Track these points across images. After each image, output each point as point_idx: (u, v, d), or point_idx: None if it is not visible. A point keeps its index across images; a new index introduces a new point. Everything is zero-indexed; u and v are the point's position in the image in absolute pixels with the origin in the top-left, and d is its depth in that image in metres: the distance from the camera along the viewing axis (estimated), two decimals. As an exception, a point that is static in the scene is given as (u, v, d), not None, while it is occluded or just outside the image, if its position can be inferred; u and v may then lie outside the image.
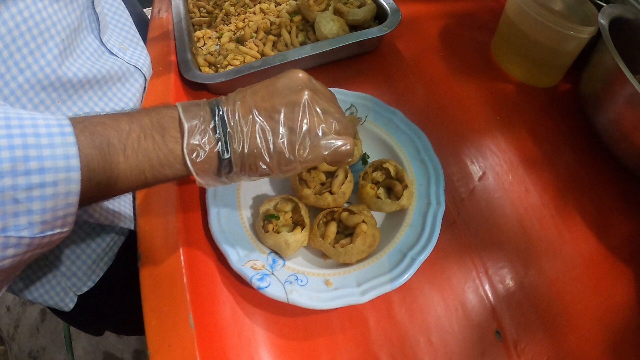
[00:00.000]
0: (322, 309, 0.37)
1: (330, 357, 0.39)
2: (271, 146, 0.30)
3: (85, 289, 0.45)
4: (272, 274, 0.39)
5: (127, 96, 0.44)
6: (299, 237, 0.38)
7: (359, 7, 0.56)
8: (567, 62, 0.53)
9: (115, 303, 0.51)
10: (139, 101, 0.47)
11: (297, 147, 0.30)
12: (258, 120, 0.30)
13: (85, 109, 0.41)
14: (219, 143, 0.29)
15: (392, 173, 0.42)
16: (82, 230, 0.43)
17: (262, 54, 0.54)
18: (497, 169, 0.48)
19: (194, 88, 0.54)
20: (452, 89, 0.54)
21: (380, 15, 0.57)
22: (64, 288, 0.44)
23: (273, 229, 0.39)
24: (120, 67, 0.44)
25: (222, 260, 0.41)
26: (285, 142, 0.30)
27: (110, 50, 0.44)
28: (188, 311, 0.38)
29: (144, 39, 0.53)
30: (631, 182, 0.48)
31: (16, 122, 0.23)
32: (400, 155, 0.44)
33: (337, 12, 0.56)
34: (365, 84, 0.52)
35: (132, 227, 0.46)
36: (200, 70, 0.53)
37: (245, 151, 0.30)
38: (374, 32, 0.52)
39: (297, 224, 0.40)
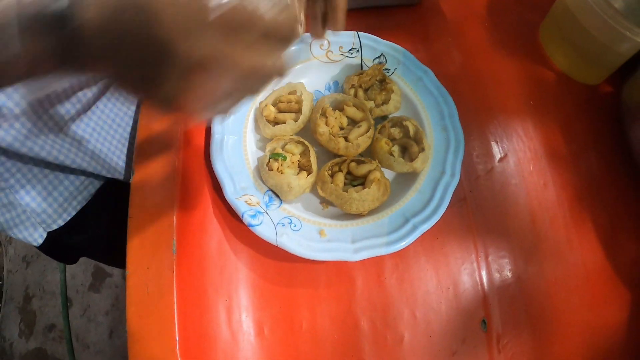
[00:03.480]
0: (311, 259, 0.34)
1: (309, 309, 0.36)
2: None
3: (55, 227, 0.42)
4: (266, 212, 0.35)
5: None
6: (303, 182, 0.35)
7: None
8: (615, 63, 0.48)
9: (85, 240, 0.48)
10: None
11: None
12: None
13: None
14: None
15: (411, 133, 0.38)
16: (55, 166, 0.40)
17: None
18: (520, 155, 0.44)
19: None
20: (489, 61, 0.49)
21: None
22: (34, 224, 0.41)
23: (277, 169, 0.35)
24: None
25: (217, 190, 0.37)
26: None
27: None
28: (172, 236, 0.35)
29: None
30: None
31: None
32: (423, 117, 0.40)
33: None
34: (400, 37, 0.47)
35: (120, 176, 0.42)
36: None
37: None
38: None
39: (302, 168, 0.37)
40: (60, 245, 0.46)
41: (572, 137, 0.47)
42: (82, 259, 0.60)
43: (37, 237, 0.42)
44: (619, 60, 0.48)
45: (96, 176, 0.44)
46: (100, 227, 0.48)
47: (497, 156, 0.44)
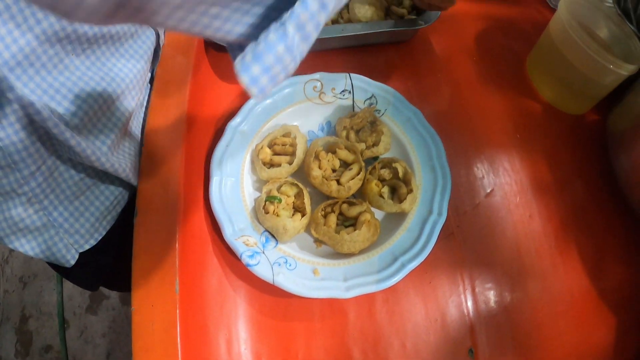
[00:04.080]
0: (306, 297, 0.37)
1: (305, 341, 0.40)
2: None
3: (87, 247, 0.46)
4: (263, 252, 0.39)
5: (138, 53, 0.45)
6: (298, 224, 0.39)
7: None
8: (600, 94, 0.52)
9: (111, 261, 0.51)
10: (149, 58, 0.47)
11: None
12: None
13: (98, 63, 0.41)
14: None
15: (400, 174, 0.41)
16: (86, 187, 0.43)
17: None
18: (506, 189, 0.48)
19: (217, 49, 0.52)
20: (478, 96, 0.53)
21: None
22: (66, 245, 0.44)
23: (273, 211, 0.39)
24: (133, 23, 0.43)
25: (217, 230, 0.41)
26: None
27: None
28: (175, 276, 0.39)
29: None
30: (637, 231, 0.48)
31: None
32: (412, 157, 0.44)
33: (376, -4, 0.53)
34: (391, 75, 0.51)
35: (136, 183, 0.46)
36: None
37: None
38: (409, 24, 0.50)
39: (297, 210, 0.40)
40: (87, 267, 0.48)
41: (558, 167, 0.51)
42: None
43: (70, 258, 0.45)
44: (603, 92, 0.52)
45: (122, 192, 0.47)
46: (120, 248, 0.51)
47: (484, 191, 0.48)
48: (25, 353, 1.03)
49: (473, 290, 0.43)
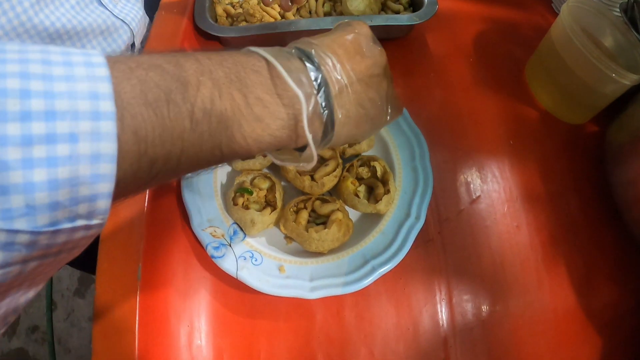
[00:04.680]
0: (268, 294, 0.36)
1: (268, 341, 0.39)
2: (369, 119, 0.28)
3: None
4: (230, 245, 0.38)
5: (106, 51, 0.42)
6: (267, 218, 0.37)
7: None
8: (600, 104, 0.49)
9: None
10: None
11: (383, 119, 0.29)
12: (358, 88, 0.26)
13: None
14: (325, 113, 0.24)
15: (379, 173, 0.40)
16: None
17: (283, 17, 0.51)
18: (494, 196, 0.46)
19: (205, 37, 0.51)
20: (471, 99, 0.51)
21: (416, 2, 0.52)
22: None
23: (243, 204, 0.37)
24: (105, 20, 0.42)
25: (186, 219, 0.40)
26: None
27: (100, 1, 0.41)
28: (138, 262, 0.38)
29: None
30: (630, 249, 0.45)
31: (15, 48, 0.16)
32: (394, 157, 0.42)
33: (372, -11, 0.52)
34: (381, 73, 0.49)
35: None
36: (216, 21, 0.51)
37: (349, 121, 0.26)
38: (403, 19, 0.49)
39: (268, 203, 0.39)
40: None
41: (551, 177, 0.49)
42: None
43: None
44: (604, 101, 0.50)
45: None
46: None
47: (470, 197, 0.46)
48: (12, 332, 1.04)
49: (450, 300, 0.41)
